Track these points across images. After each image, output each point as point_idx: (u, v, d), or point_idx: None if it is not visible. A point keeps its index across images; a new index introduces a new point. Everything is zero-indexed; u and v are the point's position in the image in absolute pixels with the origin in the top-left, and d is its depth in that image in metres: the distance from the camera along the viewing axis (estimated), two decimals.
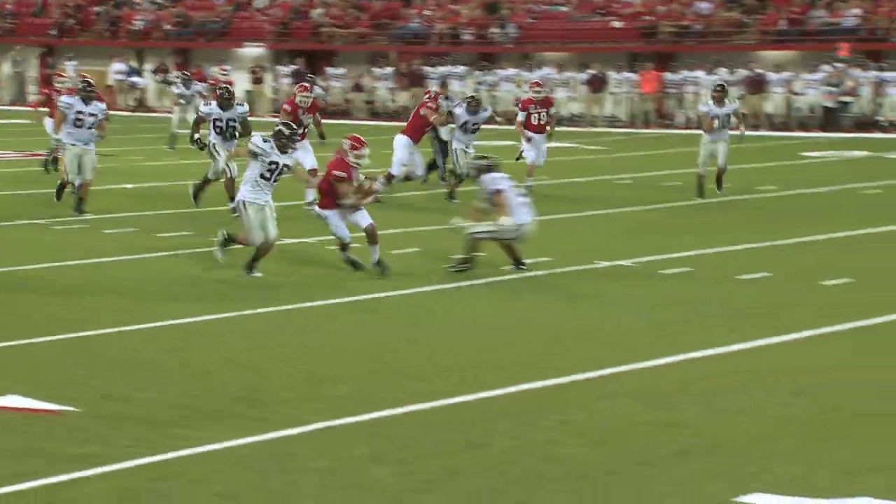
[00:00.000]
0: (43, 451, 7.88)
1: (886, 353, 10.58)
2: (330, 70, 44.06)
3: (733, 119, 21.06)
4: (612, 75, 39.59)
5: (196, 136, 19.31)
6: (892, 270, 14.46)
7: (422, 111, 21.27)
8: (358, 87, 42.95)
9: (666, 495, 7.02)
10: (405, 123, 21.81)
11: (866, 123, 36.72)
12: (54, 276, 14.02)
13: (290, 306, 12.44)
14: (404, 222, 17.89)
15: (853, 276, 14.00)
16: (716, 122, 20.75)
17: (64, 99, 18.99)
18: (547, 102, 22.39)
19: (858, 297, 12.86)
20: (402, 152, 20.92)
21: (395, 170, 20.87)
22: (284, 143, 13.89)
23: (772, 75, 37.55)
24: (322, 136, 20.22)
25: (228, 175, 18.78)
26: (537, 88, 22.74)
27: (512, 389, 9.43)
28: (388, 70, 42.65)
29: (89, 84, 19.14)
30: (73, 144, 18.46)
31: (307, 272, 14.29)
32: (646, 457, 7.77)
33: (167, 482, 7.31)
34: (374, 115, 42.09)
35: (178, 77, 32.67)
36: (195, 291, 13.24)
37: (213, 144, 19.01)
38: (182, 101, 29.71)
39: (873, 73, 36.56)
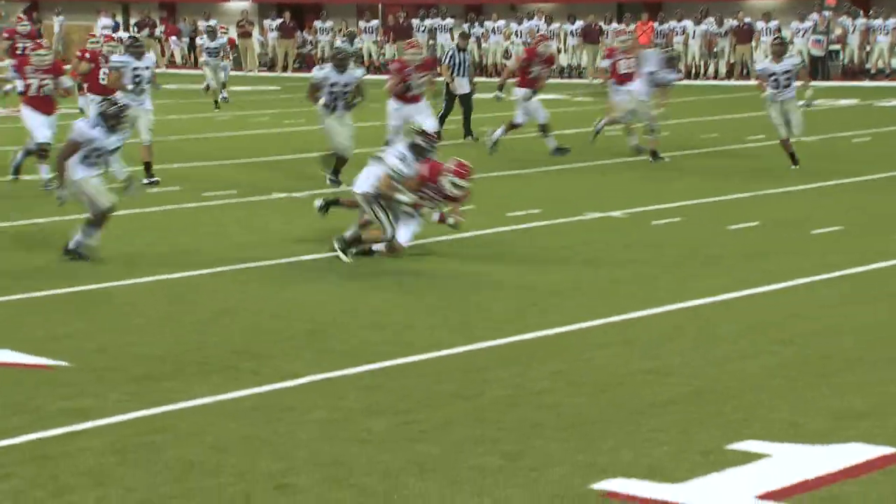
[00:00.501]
0: (35, 405, 7.90)
1: (875, 299, 10.63)
2: (318, 23, 43.86)
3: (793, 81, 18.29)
4: (605, 26, 39.38)
5: (320, 102, 17.10)
6: (881, 218, 14.49)
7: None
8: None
9: (658, 443, 7.07)
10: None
11: (855, 72, 36.68)
12: (48, 231, 14.01)
13: (283, 260, 12.45)
14: None
15: (843, 224, 14.05)
16: (773, 82, 18.10)
17: (116, 58, 18.14)
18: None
19: (848, 245, 12.90)
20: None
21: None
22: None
23: (760, 24, 37.48)
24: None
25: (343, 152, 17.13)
26: (624, 37, 21.77)
27: (505, 341, 9.47)
28: (374, 23, 42.42)
29: (136, 39, 18.71)
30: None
31: (301, 225, 14.27)
32: (638, 405, 7.82)
33: (160, 435, 7.34)
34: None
35: (205, 29, 32.05)
36: (191, 247, 13.24)
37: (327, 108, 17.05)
38: (209, 56, 29.26)
39: (861, 21, 36.48)
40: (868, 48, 36.62)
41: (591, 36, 39.47)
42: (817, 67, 36.25)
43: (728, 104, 29.81)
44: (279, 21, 42.96)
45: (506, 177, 18.24)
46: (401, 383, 8.40)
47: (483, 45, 40.26)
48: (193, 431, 7.43)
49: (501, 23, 40.57)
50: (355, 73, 17.24)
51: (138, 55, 17.56)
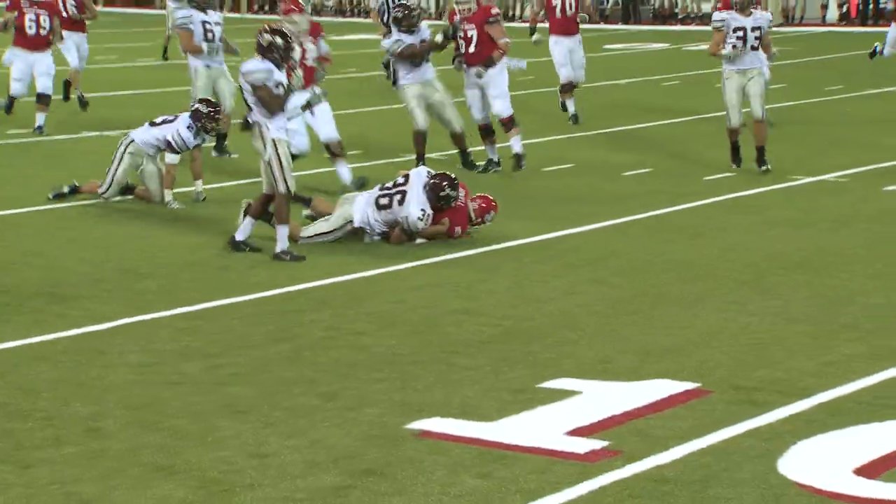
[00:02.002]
0: None
1: (681, 238, 10.93)
2: None
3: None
4: None
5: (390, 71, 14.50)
6: (687, 160, 14.86)
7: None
8: None
9: (470, 382, 7.17)
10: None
11: (664, 16, 37.42)
12: None
13: (87, 202, 12.20)
14: None
15: (652, 166, 14.39)
16: (737, 43, 13.58)
17: (181, 12, 14.92)
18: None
19: (658, 187, 13.22)
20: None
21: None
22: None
23: None
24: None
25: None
26: None
27: (322, 283, 9.47)
28: None
29: None
30: (206, 66, 14.57)
31: None
32: (451, 345, 7.92)
33: None
34: (341, 13, 41.41)
35: None
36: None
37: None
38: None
39: None
40: None
41: None
42: (629, 11, 36.86)
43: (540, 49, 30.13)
44: None
45: None
46: (215, 325, 8.35)
47: None
48: (1, 374, 7.27)
49: None
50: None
51: (203, 7, 14.51)
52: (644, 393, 6.98)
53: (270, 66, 10.16)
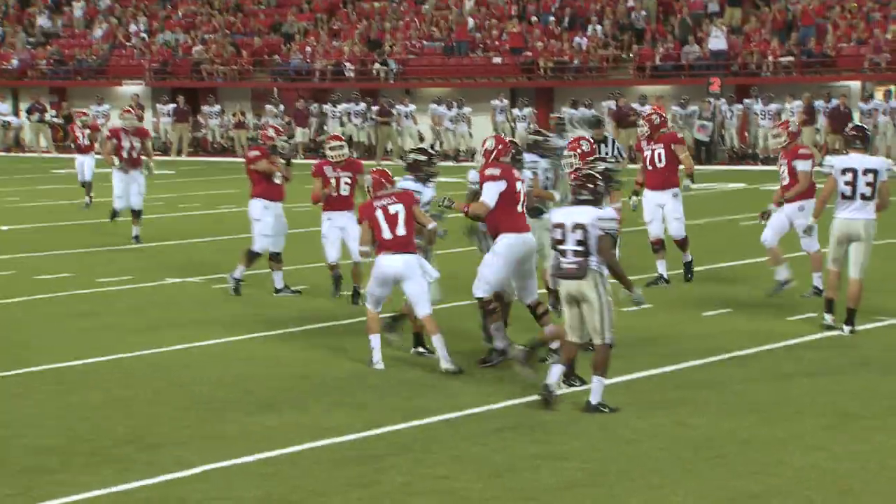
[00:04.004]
0: None
1: (766, 378, 10.75)
2: (206, 108, 43.69)
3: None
4: (515, 112, 39.20)
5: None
6: (769, 300, 14.68)
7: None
8: (240, 125, 42.63)
9: None
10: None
11: (739, 156, 37.48)
12: None
13: (174, 347, 12.31)
14: None
15: (732, 307, 14.26)
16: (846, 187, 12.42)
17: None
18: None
19: (736, 326, 13.07)
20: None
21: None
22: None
23: (645, 109, 37.95)
24: None
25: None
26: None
27: (405, 426, 9.42)
28: (279, 108, 42.19)
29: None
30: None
31: (187, 312, 14.15)
32: (533, 489, 7.82)
33: None
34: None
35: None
36: (75, 333, 13.04)
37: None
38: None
39: (740, 106, 37.36)
40: (751, 132, 37.42)
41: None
42: (703, 152, 36.94)
43: None
44: (173, 105, 42.79)
45: None
46: (296, 471, 8.31)
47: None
48: None
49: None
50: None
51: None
52: None
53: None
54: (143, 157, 20.14)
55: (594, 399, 9.69)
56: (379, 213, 11.27)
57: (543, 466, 8.35)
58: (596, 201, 9.89)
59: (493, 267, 11.12)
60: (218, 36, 46.42)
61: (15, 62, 48.05)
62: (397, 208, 11.26)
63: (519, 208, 11.17)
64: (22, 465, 8.46)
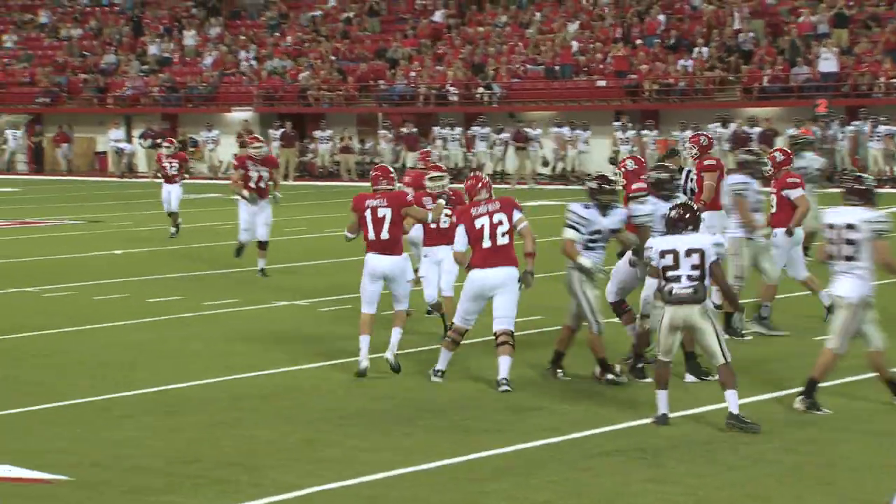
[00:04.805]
0: None
1: (873, 405, 10.54)
2: (317, 133, 44.23)
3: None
4: (618, 135, 39.04)
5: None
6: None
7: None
8: (346, 149, 43.06)
9: None
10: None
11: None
12: (43, 344, 13.99)
13: (273, 370, 12.42)
14: None
15: None
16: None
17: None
18: None
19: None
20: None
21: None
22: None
23: (755, 131, 37.47)
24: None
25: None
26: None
27: (507, 450, 9.40)
28: (391, 132, 42.56)
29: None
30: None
31: (294, 337, 14.26)
32: None
33: None
34: (362, 175, 42.22)
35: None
36: (182, 356, 13.21)
37: None
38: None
39: (851, 128, 36.78)
40: (861, 155, 36.81)
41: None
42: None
43: None
44: (281, 130, 43.31)
45: None
46: (399, 494, 8.33)
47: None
48: None
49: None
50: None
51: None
52: None
53: None
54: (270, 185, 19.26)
55: (734, 409, 9.87)
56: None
57: (650, 492, 8.26)
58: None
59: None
60: (324, 63, 46.90)
61: (128, 90, 49.02)
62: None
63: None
64: (128, 485, 8.59)
